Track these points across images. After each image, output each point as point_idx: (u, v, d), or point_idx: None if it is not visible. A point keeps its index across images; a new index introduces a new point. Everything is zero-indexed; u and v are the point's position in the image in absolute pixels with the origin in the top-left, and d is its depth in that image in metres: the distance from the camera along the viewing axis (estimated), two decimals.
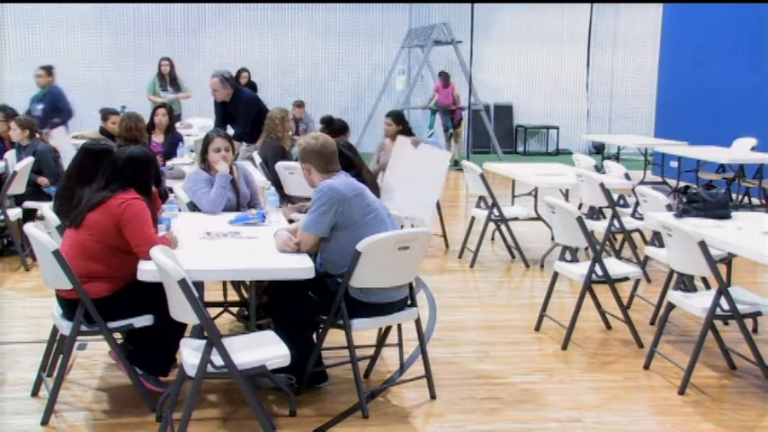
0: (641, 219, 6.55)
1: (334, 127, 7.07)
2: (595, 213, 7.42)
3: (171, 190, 5.78)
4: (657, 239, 5.59)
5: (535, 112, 17.78)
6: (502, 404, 4.22)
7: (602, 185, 6.53)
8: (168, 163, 7.37)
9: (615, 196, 6.87)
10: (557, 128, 17.64)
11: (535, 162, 9.90)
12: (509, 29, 17.30)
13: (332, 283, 4.03)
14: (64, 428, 3.88)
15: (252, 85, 12.85)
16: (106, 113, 8.53)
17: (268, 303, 4.55)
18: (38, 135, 7.51)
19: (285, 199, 7.01)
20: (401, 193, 6.87)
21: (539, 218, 7.79)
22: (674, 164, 11.17)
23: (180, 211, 5.00)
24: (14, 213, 6.97)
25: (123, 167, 4.12)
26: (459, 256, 7.61)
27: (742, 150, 10.25)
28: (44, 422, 3.88)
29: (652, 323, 5.53)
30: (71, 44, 15.87)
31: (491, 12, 16.87)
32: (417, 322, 4.25)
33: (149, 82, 11.78)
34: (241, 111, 8.14)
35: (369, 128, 16.41)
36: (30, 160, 6.96)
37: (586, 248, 5.43)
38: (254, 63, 15.55)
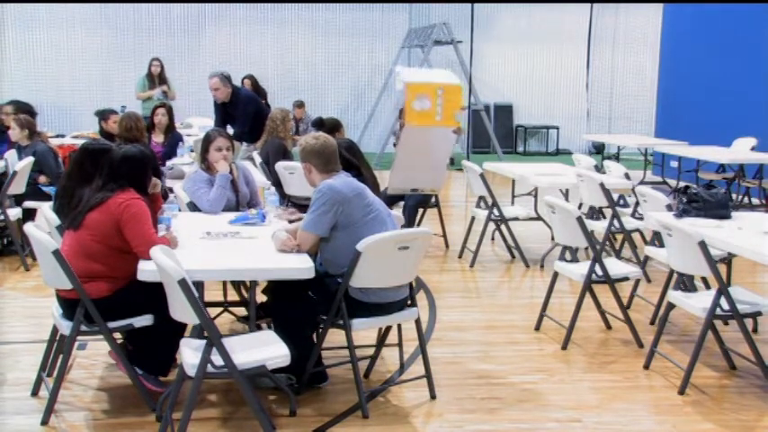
0: (641, 219, 6.55)
1: (327, 127, 7.08)
2: (595, 213, 7.42)
3: (171, 190, 5.78)
4: (657, 239, 5.59)
5: (535, 112, 17.79)
6: (502, 404, 4.22)
7: (602, 185, 6.53)
8: (168, 163, 7.37)
9: (615, 196, 6.87)
10: (557, 128, 17.65)
11: (535, 162, 9.90)
12: (509, 29, 17.31)
13: (332, 283, 4.03)
14: (64, 428, 3.88)
15: (259, 91, 12.80)
16: (104, 114, 8.48)
17: (268, 303, 4.55)
18: (37, 135, 7.50)
19: (285, 199, 7.02)
20: (413, 172, 7.22)
21: (539, 218, 7.79)
22: (674, 164, 11.17)
23: (180, 210, 5.00)
24: (14, 213, 6.97)
25: (119, 167, 4.12)
26: (460, 256, 7.61)
27: (742, 150, 10.25)
28: (44, 422, 3.88)
29: (652, 323, 5.53)
30: (71, 44, 15.87)
31: (491, 12, 16.88)
32: (417, 322, 4.25)
33: (138, 81, 11.77)
34: (240, 110, 8.15)
35: (369, 128, 16.42)
36: (30, 160, 6.96)
37: (586, 248, 5.43)
38: (254, 63, 15.57)
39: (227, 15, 16.39)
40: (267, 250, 4.08)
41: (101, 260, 3.96)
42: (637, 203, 6.64)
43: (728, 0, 11.43)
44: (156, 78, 11.52)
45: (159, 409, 3.89)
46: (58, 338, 4.23)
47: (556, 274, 5.37)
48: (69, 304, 3.94)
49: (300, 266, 3.83)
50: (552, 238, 7.17)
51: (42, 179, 7.24)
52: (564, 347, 5.08)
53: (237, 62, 15.22)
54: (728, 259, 5.35)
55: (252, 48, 16.41)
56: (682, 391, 4.36)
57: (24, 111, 7.92)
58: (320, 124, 7.53)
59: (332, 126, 7.12)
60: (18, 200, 7.15)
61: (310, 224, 4.03)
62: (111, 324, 3.94)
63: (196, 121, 11.36)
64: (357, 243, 3.88)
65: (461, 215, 9.95)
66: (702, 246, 4.22)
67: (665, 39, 13.87)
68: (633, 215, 6.90)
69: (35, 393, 4.21)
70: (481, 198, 7.47)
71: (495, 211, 7.25)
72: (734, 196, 9.69)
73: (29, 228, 3.97)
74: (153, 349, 4.14)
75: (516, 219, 7.42)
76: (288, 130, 7.53)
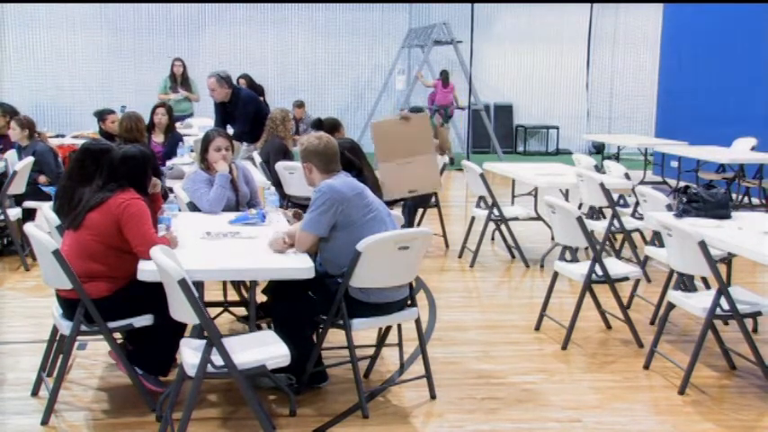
0: (641, 219, 6.55)
1: (326, 127, 7.09)
2: (595, 213, 7.42)
3: (171, 190, 5.78)
4: (657, 239, 5.59)
5: (535, 112, 17.79)
6: (502, 404, 4.22)
7: (602, 185, 6.53)
8: (168, 163, 7.37)
9: (615, 196, 6.87)
10: (557, 128, 17.65)
11: (535, 162, 9.90)
12: (509, 29, 17.31)
13: (332, 283, 4.03)
14: (64, 428, 3.88)
15: (256, 89, 12.79)
16: (102, 114, 8.45)
17: (268, 303, 4.55)
18: (37, 135, 7.51)
19: (285, 199, 7.02)
20: (402, 170, 7.21)
21: (539, 218, 7.79)
22: (675, 164, 11.17)
23: (180, 210, 5.00)
24: (14, 213, 6.97)
25: (119, 167, 4.13)
26: (459, 256, 7.61)
27: (742, 150, 10.25)
28: (44, 422, 3.88)
29: (652, 323, 5.53)
30: (71, 44, 15.87)
31: (491, 12, 16.88)
32: (417, 322, 4.25)
33: (161, 82, 11.76)
34: (240, 110, 8.14)
35: (369, 128, 16.40)
36: (30, 160, 6.96)
37: (586, 248, 5.43)
38: (255, 63, 15.57)
39: (227, 15, 16.40)
40: (267, 250, 4.08)
41: (101, 260, 3.96)
42: (637, 203, 6.64)
43: (728, 0, 11.43)
44: (179, 78, 11.52)
45: (159, 409, 3.89)
46: (58, 338, 4.23)
47: (556, 274, 5.37)
48: (69, 304, 3.94)
49: (300, 266, 3.83)
50: (552, 238, 7.17)
51: (42, 179, 7.24)
52: (564, 347, 5.08)
53: (237, 62, 15.21)
54: (728, 259, 5.35)
55: (252, 48, 16.41)
56: (682, 391, 4.36)
57: (11, 113, 7.90)
58: (319, 125, 7.53)
59: (331, 126, 7.13)
60: (18, 200, 7.15)
61: (309, 224, 4.03)
62: (111, 324, 3.94)
63: (196, 122, 11.35)
64: (357, 243, 3.88)
65: (461, 215, 9.95)
66: (702, 246, 4.22)
67: (665, 39, 13.87)
68: (633, 215, 6.89)
69: (35, 393, 4.22)
70: (481, 198, 7.47)
71: (495, 211, 7.24)
72: (734, 196, 9.68)
73: (29, 228, 3.97)
74: (153, 349, 4.14)
75: (516, 219, 7.42)
76: (288, 130, 7.53)
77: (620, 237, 7.01)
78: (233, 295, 5.40)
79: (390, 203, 7.17)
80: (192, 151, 7.93)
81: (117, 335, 4.09)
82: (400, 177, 7.26)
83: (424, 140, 7.39)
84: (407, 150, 7.23)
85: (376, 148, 7.35)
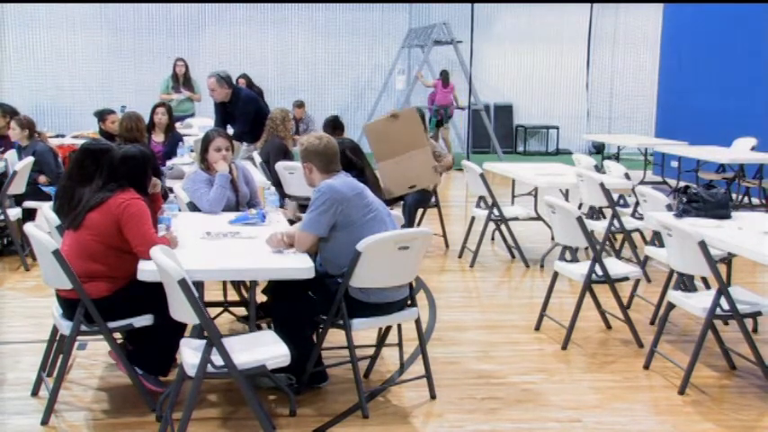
0: (641, 219, 6.55)
1: (331, 127, 7.18)
2: (595, 213, 7.42)
3: (171, 190, 5.78)
4: (657, 239, 5.59)
5: (535, 112, 17.79)
6: (502, 404, 4.22)
7: (602, 185, 6.53)
8: (168, 163, 7.37)
9: (615, 196, 6.87)
10: (557, 128, 17.65)
11: (535, 162, 9.90)
12: (509, 29, 17.31)
13: (332, 283, 4.03)
14: (64, 428, 3.88)
15: (253, 89, 12.78)
16: (102, 114, 8.44)
17: (268, 303, 4.55)
18: (37, 135, 7.51)
19: (285, 199, 7.02)
20: (399, 166, 7.26)
21: (539, 218, 7.79)
22: (675, 164, 11.17)
23: (180, 210, 5.00)
24: (14, 213, 6.97)
25: (119, 167, 4.13)
26: (459, 256, 7.61)
27: (742, 150, 10.25)
28: (44, 422, 3.88)
29: (652, 323, 5.53)
30: (71, 44, 15.87)
31: (491, 12, 16.88)
32: (417, 322, 4.25)
33: (163, 82, 11.76)
34: (240, 110, 8.14)
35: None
36: (30, 160, 6.96)
37: (586, 248, 5.43)
38: (255, 63, 15.58)
39: (227, 15, 16.40)
40: (267, 250, 4.08)
41: (101, 260, 3.97)
42: (637, 203, 6.64)
43: (728, 0, 11.43)
44: (181, 78, 11.51)
45: (159, 409, 3.89)
46: (58, 338, 4.23)
47: (556, 274, 5.37)
48: (69, 304, 3.94)
49: (300, 266, 3.83)
50: (552, 238, 7.17)
51: (42, 179, 7.24)
52: (564, 347, 5.08)
53: (237, 62, 15.21)
54: (728, 259, 5.35)
55: (252, 48, 16.41)
56: (682, 391, 4.36)
57: (11, 113, 7.91)
58: (334, 123, 7.65)
59: (336, 126, 7.22)
60: (18, 200, 7.15)
61: (309, 224, 4.03)
62: (111, 324, 3.95)
63: (196, 122, 11.35)
64: (357, 243, 3.88)
65: (461, 215, 9.95)
66: (702, 246, 4.22)
67: (665, 39, 13.87)
68: (633, 215, 6.89)
69: (35, 393, 4.22)
70: (481, 198, 7.47)
71: (495, 211, 7.24)
72: (734, 196, 9.68)
73: (29, 228, 3.97)
74: (153, 349, 4.14)
75: (516, 219, 7.42)
76: (288, 129, 7.54)
77: (620, 237, 7.01)
78: (233, 295, 5.40)
79: (390, 203, 7.17)
80: (191, 151, 7.93)
81: (117, 335, 4.09)
82: (399, 174, 7.28)
83: (417, 134, 7.41)
84: (402, 147, 7.27)
85: (372, 149, 7.37)
